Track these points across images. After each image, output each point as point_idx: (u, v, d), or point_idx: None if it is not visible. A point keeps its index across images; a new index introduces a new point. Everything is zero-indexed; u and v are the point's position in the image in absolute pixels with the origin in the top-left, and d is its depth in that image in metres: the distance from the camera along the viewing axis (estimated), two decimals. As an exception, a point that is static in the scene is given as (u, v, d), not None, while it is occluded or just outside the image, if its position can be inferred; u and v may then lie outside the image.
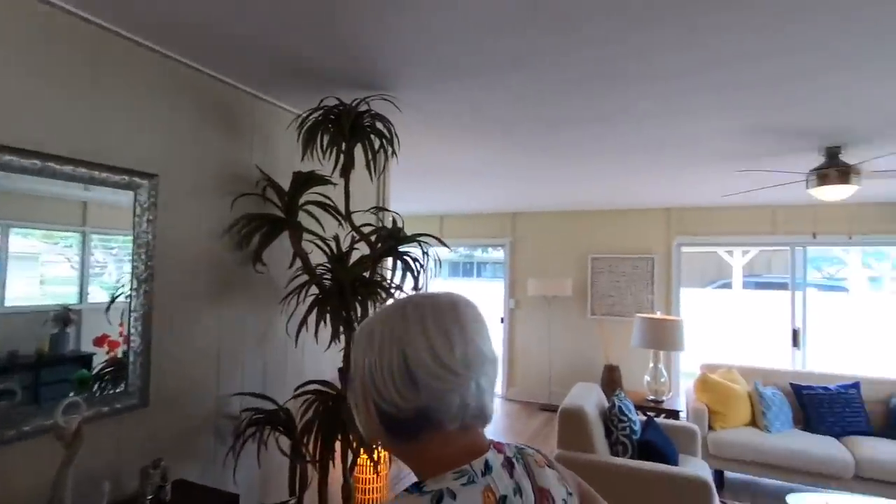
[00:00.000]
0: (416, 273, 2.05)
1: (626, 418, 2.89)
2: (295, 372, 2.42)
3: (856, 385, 3.77)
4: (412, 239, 2.09)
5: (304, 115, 2.01)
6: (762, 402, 3.74)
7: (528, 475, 0.67)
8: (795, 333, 5.05)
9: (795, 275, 5.17)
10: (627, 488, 2.56)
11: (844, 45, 1.70)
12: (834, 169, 2.93)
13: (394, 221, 2.15)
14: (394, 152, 2.06)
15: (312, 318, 1.91)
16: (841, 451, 3.40)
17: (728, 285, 11.39)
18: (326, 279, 2.01)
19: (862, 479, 3.30)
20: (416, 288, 2.05)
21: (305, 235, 2.08)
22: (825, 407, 3.72)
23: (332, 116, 1.99)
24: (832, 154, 2.94)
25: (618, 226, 5.78)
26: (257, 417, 1.98)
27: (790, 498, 2.63)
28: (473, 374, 0.64)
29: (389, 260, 2.08)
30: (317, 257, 2.17)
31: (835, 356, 6.76)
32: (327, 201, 2.14)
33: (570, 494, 0.72)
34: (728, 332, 9.01)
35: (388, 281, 2.03)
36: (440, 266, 2.23)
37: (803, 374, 4.04)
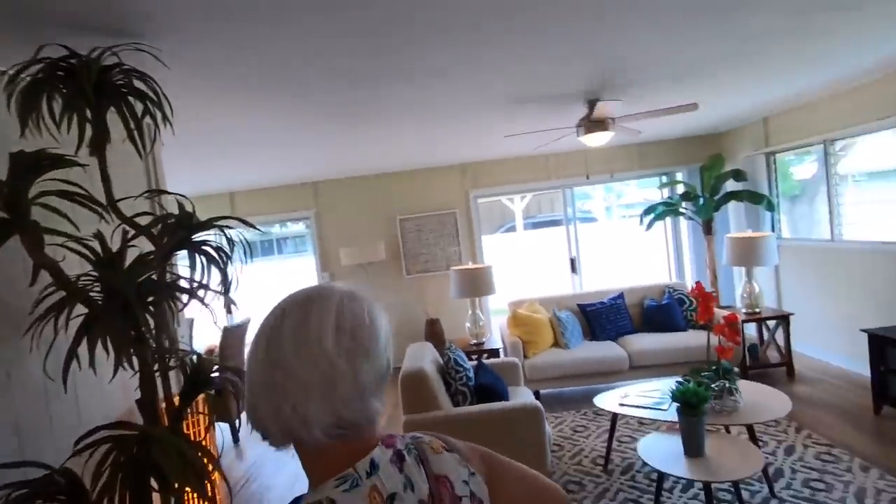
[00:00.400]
0: (222, 265, 1.69)
1: (461, 368, 3.02)
2: (67, 422, 1.84)
3: (621, 295, 4.64)
4: (209, 225, 1.72)
5: (12, 70, 1.42)
6: (560, 325, 4.34)
7: (421, 465, 0.66)
8: (573, 262, 5.98)
9: (568, 212, 6.06)
10: (474, 433, 2.70)
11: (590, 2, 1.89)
12: (588, 119, 3.40)
13: (181, 206, 1.72)
14: (165, 118, 1.62)
15: (84, 345, 1.43)
16: (618, 350, 4.18)
17: (513, 228, 13.02)
18: (96, 292, 1.52)
19: (635, 369, 4.13)
20: (224, 283, 1.70)
21: (49, 238, 1.52)
22: (603, 318, 4.51)
23: (60, 73, 1.45)
24: (592, 105, 3.40)
25: (420, 185, 5.92)
26: (20, 495, 1.44)
27: (597, 399, 3.12)
28: (299, 395, 0.59)
29: (185, 254, 1.67)
30: (73, 265, 1.63)
31: (600, 275, 8.32)
32: (75, 189, 1.59)
33: (473, 474, 0.69)
34: (520, 269, 10.37)
35: (188, 279, 1.64)
36: (250, 252, 1.90)
37: (585, 294, 4.81)
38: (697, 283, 3.06)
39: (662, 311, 4.45)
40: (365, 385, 0.62)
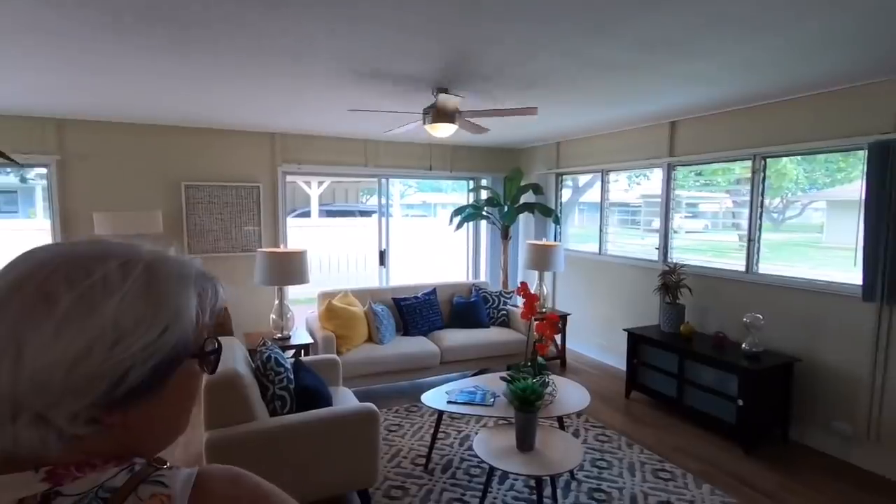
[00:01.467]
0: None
1: (282, 369, 2.55)
2: None
3: (434, 291, 4.70)
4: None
5: None
6: (376, 319, 4.14)
7: None
8: (382, 254, 5.85)
9: (382, 203, 5.91)
10: (300, 445, 2.28)
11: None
12: (436, 109, 3.31)
13: None
14: None
15: None
16: (430, 345, 4.19)
17: (307, 214, 12.27)
18: None
19: (446, 363, 4.20)
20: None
21: None
22: (417, 312, 4.48)
23: None
24: (440, 94, 3.30)
25: (218, 148, 4.98)
26: None
27: (424, 397, 3.02)
28: None
29: None
30: None
31: (406, 269, 8.40)
32: None
33: None
34: (321, 257, 9.80)
35: None
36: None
37: (399, 288, 4.71)
38: (522, 283, 3.23)
39: (470, 308, 4.66)
40: (14, 398, 0.44)
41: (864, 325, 3.05)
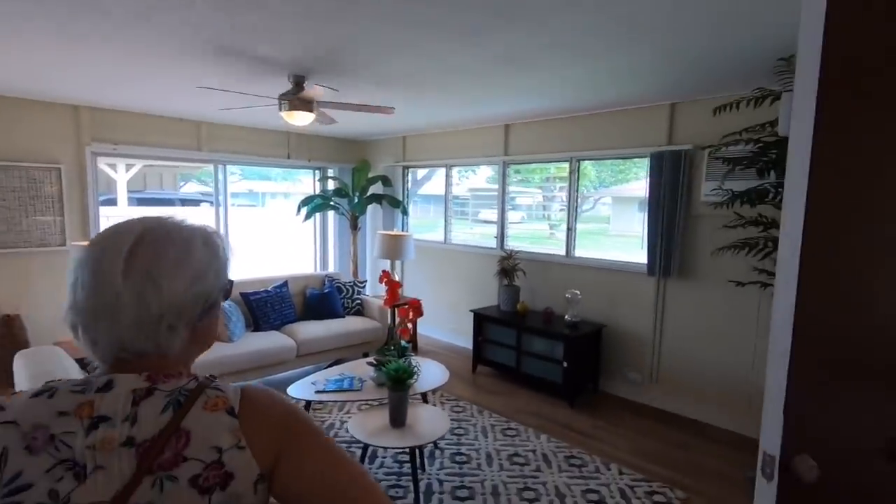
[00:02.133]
0: None
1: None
2: None
3: (286, 284, 4.55)
4: None
5: None
6: (224, 316, 3.86)
7: (172, 410, 0.64)
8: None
9: (219, 191, 5.44)
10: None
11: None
12: (297, 97, 3.25)
13: None
14: None
15: None
16: (285, 339, 4.07)
17: (113, 201, 10.44)
18: None
19: (302, 356, 4.13)
20: None
21: None
22: (268, 307, 4.30)
23: None
24: (298, 82, 3.24)
25: (2, 120, 4.03)
26: None
27: (290, 389, 2.96)
28: (89, 318, 0.66)
29: None
30: None
31: (246, 262, 7.73)
32: None
33: (241, 448, 0.64)
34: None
35: None
36: None
37: (250, 281, 4.44)
38: (385, 271, 3.38)
39: (324, 300, 4.63)
40: (152, 316, 0.66)
41: (647, 295, 3.92)
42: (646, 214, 3.85)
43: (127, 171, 11.01)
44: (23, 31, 2.42)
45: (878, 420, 1.06)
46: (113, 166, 10.69)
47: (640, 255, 4.00)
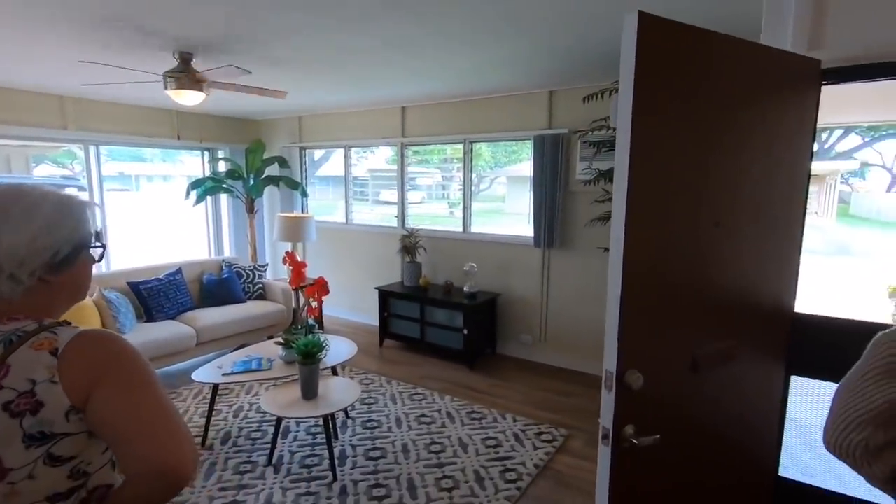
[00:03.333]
0: None
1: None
2: None
3: (179, 271, 4.35)
4: None
5: None
6: (111, 308, 3.64)
7: (4, 348, 0.77)
8: (98, 235, 4.95)
9: (91, 174, 4.97)
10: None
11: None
12: (186, 75, 3.12)
13: None
14: None
15: None
16: (182, 328, 3.94)
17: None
18: None
19: (203, 344, 4.02)
20: None
21: None
22: (161, 296, 4.10)
23: None
24: (185, 59, 3.11)
25: None
26: None
27: (195, 375, 2.92)
28: None
29: None
30: None
31: (130, 250, 7.03)
32: None
33: (54, 383, 0.76)
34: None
35: None
36: None
37: (137, 270, 4.18)
38: (289, 252, 3.41)
39: (223, 285, 4.51)
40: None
41: (535, 265, 4.37)
42: (531, 192, 4.26)
43: (-37, 151, 9.48)
44: None
45: (684, 343, 1.43)
46: (-56, 146, 9.12)
47: (529, 230, 4.42)
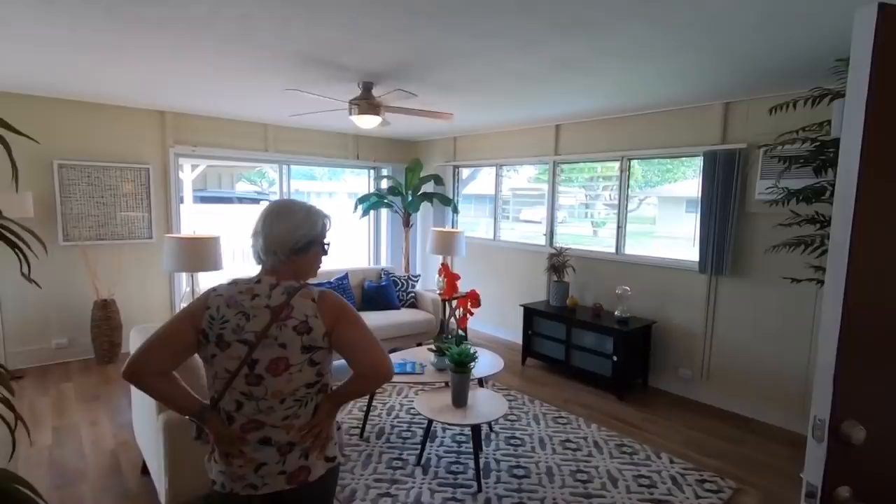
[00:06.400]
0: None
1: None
2: None
3: (346, 276, 4.85)
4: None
5: None
6: (293, 304, 4.18)
7: (287, 295, 1.29)
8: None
9: (282, 188, 5.82)
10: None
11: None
12: (366, 101, 3.51)
13: None
14: None
15: None
16: (346, 328, 4.36)
17: (181, 199, 11.20)
18: None
19: (362, 344, 4.40)
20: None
21: None
22: (331, 297, 4.60)
23: None
24: (367, 87, 3.50)
25: (97, 122, 4.51)
26: None
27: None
28: (261, 239, 1.34)
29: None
30: None
31: None
32: None
33: (315, 317, 1.28)
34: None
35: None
36: None
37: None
38: (444, 264, 3.60)
39: (381, 292, 4.91)
40: (269, 247, 1.32)
41: (699, 292, 3.97)
42: (698, 212, 3.90)
43: (192, 171, 11.79)
44: (140, 45, 2.78)
45: (924, 395, 1.18)
46: (180, 167, 11.51)
47: (689, 254, 4.05)
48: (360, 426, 3.29)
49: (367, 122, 3.54)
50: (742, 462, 3.05)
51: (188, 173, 12.05)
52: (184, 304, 3.85)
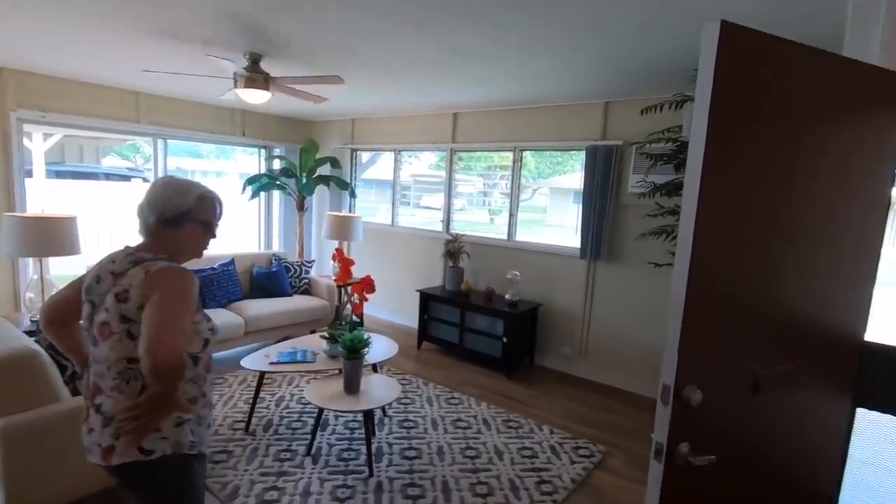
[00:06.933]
0: None
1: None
2: None
3: (232, 262, 4.53)
4: None
5: None
6: (169, 292, 3.82)
7: (127, 264, 1.28)
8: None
9: (157, 166, 5.26)
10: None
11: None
12: (255, 74, 3.27)
13: None
14: None
15: None
16: (232, 316, 4.10)
17: (28, 173, 9.55)
18: None
19: (250, 334, 4.17)
20: None
21: None
22: (214, 284, 4.28)
23: None
24: (255, 60, 3.26)
25: (-89, 78, 3.71)
26: None
27: (244, 362, 3.03)
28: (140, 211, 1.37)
29: None
30: None
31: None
32: None
33: (138, 288, 1.23)
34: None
35: None
36: None
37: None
38: (338, 249, 3.50)
39: (272, 278, 4.66)
40: (141, 216, 1.36)
41: (579, 277, 4.30)
42: (580, 203, 4.21)
43: (45, 140, 10.19)
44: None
45: (746, 362, 1.38)
46: (28, 135, 9.83)
47: (573, 241, 4.36)
48: (246, 420, 3.12)
49: (255, 97, 3.31)
50: (612, 428, 3.38)
51: (39, 143, 10.41)
52: (31, 294, 3.35)
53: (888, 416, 1.70)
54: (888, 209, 1.58)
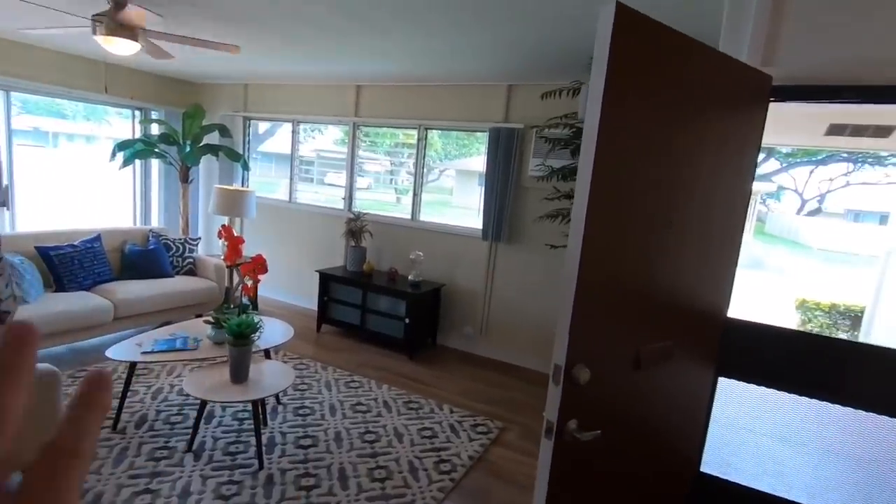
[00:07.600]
0: None
1: None
2: None
3: (98, 238, 3.97)
4: None
5: None
6: (15, 274, 3.26)
7: None
8: (6, 191, 4.45)
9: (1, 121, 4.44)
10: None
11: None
12: (117, 20, 2.83)
13: None
14: None
15: None
16: (98, 300, 3.61)
17: None
18: None
19: (121, 319, 3.70)
20: None
21: None
22: (75, 264, 3.73)
23: None
24: (118, 3, 2.81)
25: None
26: None
27: (110, 352, 2.66)
28: None
29: None
30: None
31: (50, 211, 6.26)
32: None
33: None
34: None
35: None
36: None
37: (47, 234, 3.78)
38: (225, 226, 3.19)
39: (148, 257, 4.17)
40: None
41: (481, 258, 4.37)
42: (483, 184, 4.25)
43: None
44: None
45: (629, 341, 1.45)
46: None
47: (475, 222, 4.41)
48: (114, 416, 2.77)
49: (121, 48, 2.86)
50: (509, 405, 3.50)
51: None
52: None
53: (742, 384, 1.90)
54: (749, 200, 1.74)
